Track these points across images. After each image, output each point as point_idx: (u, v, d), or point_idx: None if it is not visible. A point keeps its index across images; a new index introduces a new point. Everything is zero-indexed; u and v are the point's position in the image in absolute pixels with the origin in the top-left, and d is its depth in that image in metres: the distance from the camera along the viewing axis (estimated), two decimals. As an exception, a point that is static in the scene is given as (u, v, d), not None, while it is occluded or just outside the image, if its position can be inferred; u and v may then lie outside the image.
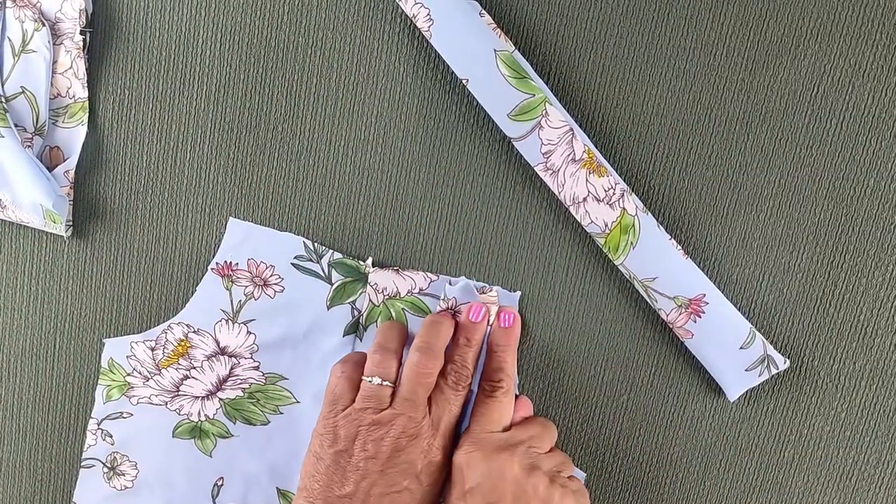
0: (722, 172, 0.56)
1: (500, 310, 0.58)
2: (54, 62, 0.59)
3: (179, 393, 0.63)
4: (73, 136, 0.61)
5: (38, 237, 0.62)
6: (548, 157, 0.52)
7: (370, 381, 0.54)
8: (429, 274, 0.59)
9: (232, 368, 0.62)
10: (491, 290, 0.58)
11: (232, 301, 0.61)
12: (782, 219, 0.56)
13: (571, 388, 0.60)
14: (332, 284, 0.60)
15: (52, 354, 0.64)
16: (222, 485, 0.64)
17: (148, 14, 0.58)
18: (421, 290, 0.60)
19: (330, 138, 0.58)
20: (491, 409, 0.54)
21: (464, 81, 0.52)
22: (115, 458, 0.64)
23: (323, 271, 0.60)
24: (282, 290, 0.60)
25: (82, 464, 0.65)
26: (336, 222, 0.59)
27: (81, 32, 0.58)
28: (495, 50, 0.51)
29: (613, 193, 0.52)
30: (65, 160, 0.61)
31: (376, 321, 0.60)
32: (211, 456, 0.64)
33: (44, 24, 0.58)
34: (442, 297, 0.59)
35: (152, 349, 0.63)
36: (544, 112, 0.51)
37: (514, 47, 0.53)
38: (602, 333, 0.59)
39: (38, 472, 0.65)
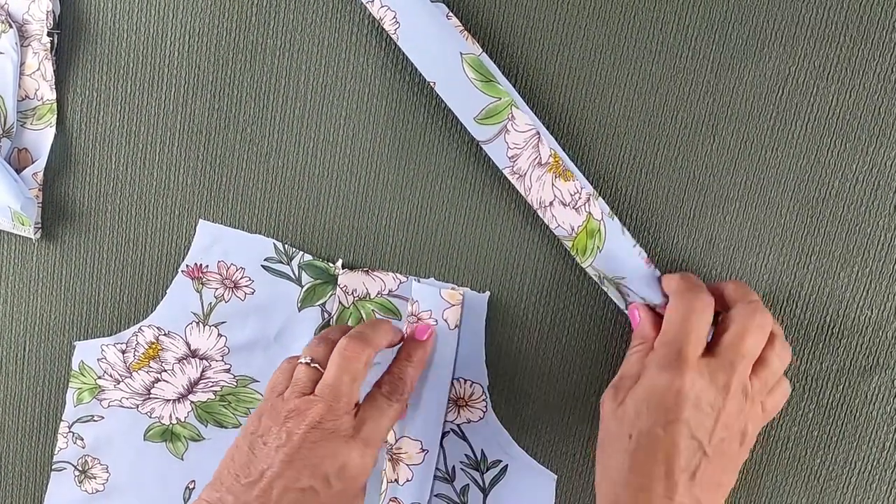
0: (688, 174, 0.56)
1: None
2: (22, 64, 0.59)
3: (151, 396, 0.63)
4: (42, 137, 0.60)
5: (7, 239, 0.62)
6: (514, 161, 0.52)
7: (300, 362, 0.52)
8: (398, 275, 0.59)
9: (203, 371, 0.62)
10: (459, 290, 0.58)
11: (203, 303, 0.61)
12: (748, 220, 0.56)
13: (541, 389, 0.60)
14: (302, 286, 0.60)
15: (23, 357, 0.63)
16: (194, 488, 0.64)
17: (116, 15, 0.58)
18: (391, 291, 0.60)
19: (299, 140, 0.58)
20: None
21: (431, 84, 0.52)
22: (86, 461, 0.64)
23: (293, 273, 0.60)
24: (252, 293, 0.60)
25: (53, 467, 0.64)
26: (306, 224, 0.59)
27: (49, 34, 0.58)
28: (461, 53, 0.51)
29: (579, 198, 0.52)
30: (33, 162, 0.61)
31: (347, 323, 0.60)
32: (182, 459, 0.64)
33: (11, 26, 0.58)
34: (409, 298, 0.59)
35: (123, 352, 0.62)
36: (510, 116, 0.52)
37: (480, 50, 0.53)
38: (571, 333, 0.59)
39: (8, 475, 0.65)
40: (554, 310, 0.58)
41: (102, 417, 0.63)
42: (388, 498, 0.60)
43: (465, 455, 0.61)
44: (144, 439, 0.64)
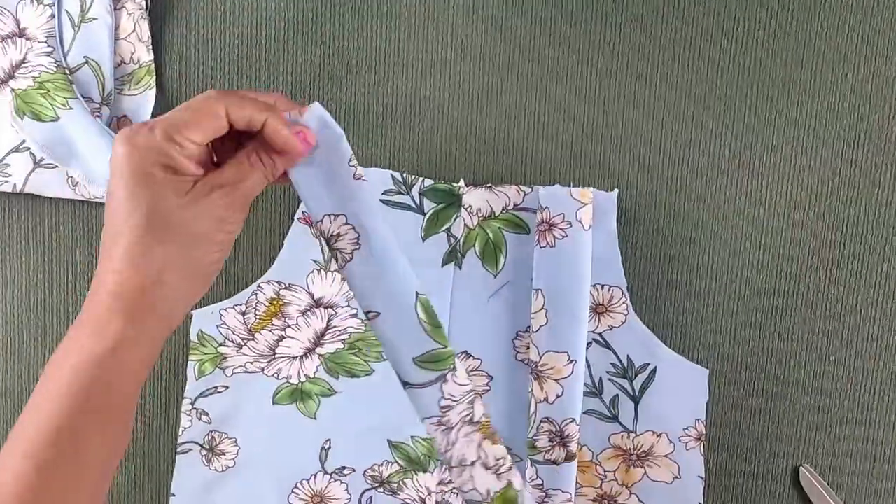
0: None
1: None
2: (116, 27, 0.58)
3: (276, 356, 0.61)
4: (142, 102, 0.60)
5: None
6: (445, 412, 0.49)
7: None
8: (522, 187, 0.59)
9: (329, 320, 0.60)
10: (588, 189, 0.58)
11: (323, 249, 0.60)
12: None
13: (681, 285, 0.60)
14: (424, 214, 0.59)
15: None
16: (329, 447, 0.62)
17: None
18: (516, 205, 0.59)
19: (406, 64, 0.58)
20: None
21: (367, 316, 0.49)
22: (213, 437, 0.62)
23: (414, 202, 0.59)
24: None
25: (178, 450, 0.62)
26: (422, 150, 0.59)
27: (144, -8, 0.58)
28: (417, 293, 0.48)
29: (503, 464, 0.51)
30: (134, 129, 0.59)
31: (473, 246, 0.59)
32: (315, 418, 0.61)
33: (105, -12, 0.57)
34: (538, 206, 0.58)
35: (243, 314, 0.61)
36: (453, 367, 0.49)
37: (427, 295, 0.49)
38: (706, 217, 0.59)
39: (130, 467, 0.62)
40: (686, 202, 0.58)
41: (227, 387, 0.61)
42: (540, 418, 0.58)
43: (612, 364, 0.60)
44: (273, 403, 0.61)
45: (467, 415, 0.50)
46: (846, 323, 0.60)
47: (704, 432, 0.61)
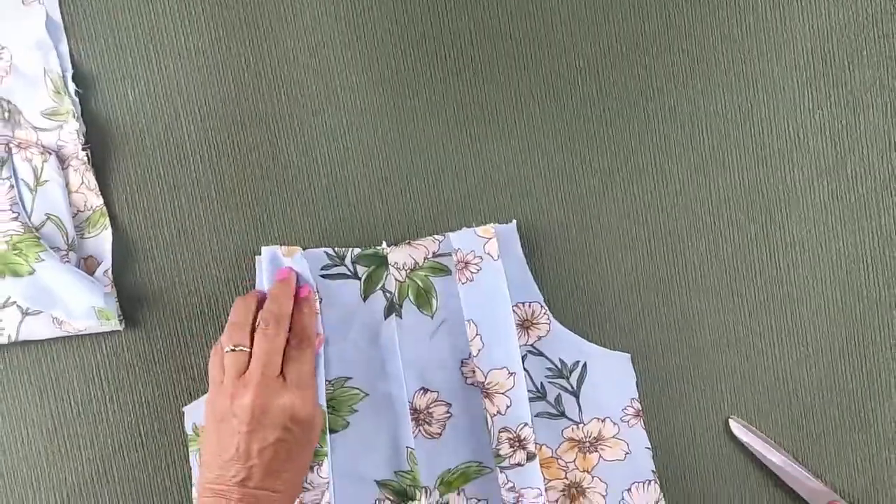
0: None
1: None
2: (66, 184, 0.68)
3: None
4: (101, 241, 0.69)
5: (98, 340, 0.69)
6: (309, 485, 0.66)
7: (227, 351, 0.61)
8: (436, 236, 0.69)
9: None
10: (489, 226, 0.68)
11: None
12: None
13: (590, 288, 0.69)
14: (360, 279, 0.69)
15: (140, 437, 0.69)
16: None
17: (132, 115, 0.68)
18: (434, 253, 0.69)
19: (316, 157, 0.69)
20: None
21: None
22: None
23: (349, 269, 0.68)
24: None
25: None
26: (346, 225, 0.69)
27: (83, 149, 0.68)
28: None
29: None
30: (99, 265, 0.69)
31: (407, 296, 0.69)
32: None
33: (50, 154, 0.67)
34: (452, 250, 0.68)
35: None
36: (320, 463, 0.66)
37: None
38: (595, 225, 0.69)
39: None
40: (576, 217, 0.68)
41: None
42: (498, 429, 0.67)
43: (547, 368, 0.69)
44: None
45: (316, 500, 0.64)
46: (734, 287, 0.70)
47: (641, 408, 0.69)
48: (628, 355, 0.69)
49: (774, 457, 0.69)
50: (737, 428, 0.70)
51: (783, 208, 0.69)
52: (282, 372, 0.60)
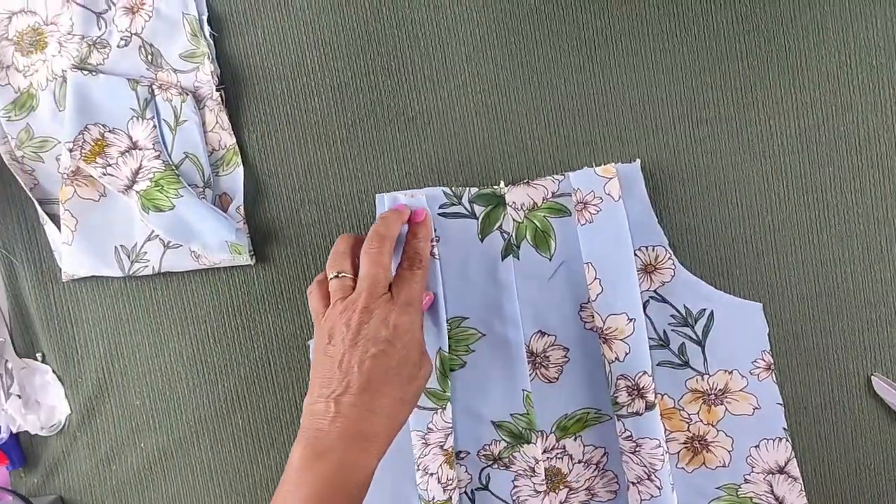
0: None
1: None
2: (203, 123, 0.72)
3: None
4: (234, 179, 0.72)
5: (231, 273, 0.72)
6: (428, 432, 0.68)
7: (331, 278, 0.62)
8: (555, 176, 0.67)
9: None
10: (611, 165, 0.65)
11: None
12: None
13: (718, 231, 0.65)
14: (477, 218, 0.68)
15: (270, 369, 0.73)
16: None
17: (263, 56, 0.70)
18: (553, 193, 0.67)
19: (434, 96, 0.68)
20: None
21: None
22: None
23: (466, 209, 0.68)
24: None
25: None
26: (463, 163, 0.68)
27: (217, 89, 0.71)
28: (440, 348, 0.69)
29: (451, 485, 0.68)
30: (231, 201, 0.72)
31: (525, 236, 0.67)
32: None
33: (187, 95, 0.71)
34: (572, 190, 0.66)
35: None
36: (444, 406, 0.68)
37: None
38: (726, 164, 0.65)
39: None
40: (704, 156, 0.64)
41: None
42: (616, 376, 0.65)
43: (671, 316, 0.66)
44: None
45: (441, 441, 0.63)
46: (882, 234, 0.64)
47: (773, 361, 0.65)
48: (760, 305, 0.65)
49: (925, 421, 0.63)
50: (880, 386, 0.64)
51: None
52: (390, 290, 0.61)
